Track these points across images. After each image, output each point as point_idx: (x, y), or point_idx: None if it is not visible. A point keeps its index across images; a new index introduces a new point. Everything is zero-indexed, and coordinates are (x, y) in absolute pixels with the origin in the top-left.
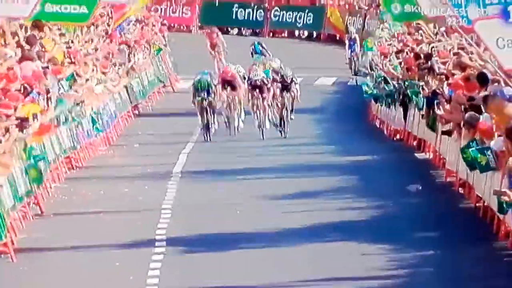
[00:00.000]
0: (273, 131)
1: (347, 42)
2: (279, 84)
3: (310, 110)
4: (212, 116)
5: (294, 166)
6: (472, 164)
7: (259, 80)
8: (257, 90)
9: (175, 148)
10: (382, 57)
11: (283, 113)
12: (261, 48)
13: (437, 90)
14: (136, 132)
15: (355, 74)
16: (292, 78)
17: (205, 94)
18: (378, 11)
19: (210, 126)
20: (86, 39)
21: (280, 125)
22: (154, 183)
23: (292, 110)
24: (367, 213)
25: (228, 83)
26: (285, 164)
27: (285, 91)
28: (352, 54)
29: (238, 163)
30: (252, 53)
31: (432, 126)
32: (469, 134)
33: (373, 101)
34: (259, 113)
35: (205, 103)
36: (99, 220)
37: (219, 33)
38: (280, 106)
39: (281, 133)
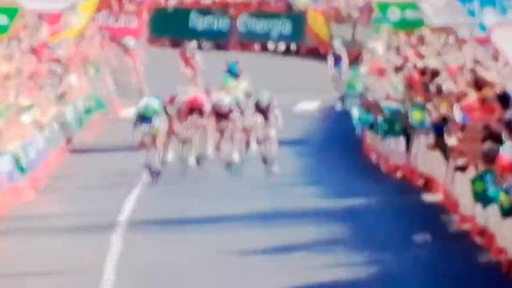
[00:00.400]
0: (242, 169)
1: (330, 59)
2: (253, 111)
3: (289, 142)
4: (158, 153)
5: (271, 212)
6: (484, 198)
7: (224, 106)
8: (222, 118)
9: (120, 192)
10: (377, 75)
11: (266, 148)
12: (237, 70)
13: (448, 115)
14: (71, 173)
15: (342, 98)
16: (269, 103)
17: (148, 125)
18: (371, 18)
19: (154, 166)
20: (5, 55)
21: (265, 163)
22: (94, 236)
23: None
24: (363, 271)
25: (197, 110)
26: (259, 210)
27: (263, 118)
28: (337, 73)
29: (199, 210)
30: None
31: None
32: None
33: (367, 130)
34: (225, 146)
35: (146, 137)
36: (23, 285)
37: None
38: (259, 139)
39: (268, 173)
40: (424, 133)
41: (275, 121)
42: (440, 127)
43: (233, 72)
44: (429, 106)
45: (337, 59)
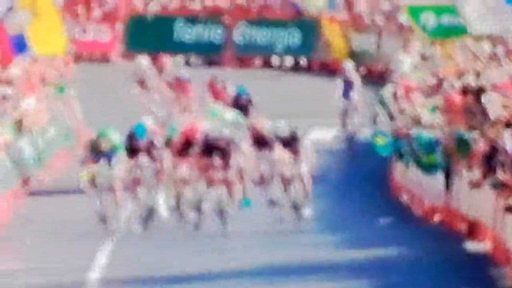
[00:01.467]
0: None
1: (339, 84)
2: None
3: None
4: (116, 205)
5: (282, 266)
6: None
7: (220, 137)
8: (217, 154)
9: (89, 244)
10: (405, 96)
11: (295, 188)
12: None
13: (498, 144)
14: (28, 220)
15: (350, 139)
16: (293, 133)
17: (105, 162)
18: (400, 26)
19: (110, 223)
20: None
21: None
22: None
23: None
24: None
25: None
26: (266, 264)
27: (290, 153)
28: (347, 103)
29: (191, 264)
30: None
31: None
32: None
33: (395, 162)
34: (219, 191)
35: (99, 178)
36: None
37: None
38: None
39: (299, 219)
40: (467, 167)
41: (306, 155)
42: (488, 160)
43: (242, 98)
44: (474, 134)
45: (348, 86)
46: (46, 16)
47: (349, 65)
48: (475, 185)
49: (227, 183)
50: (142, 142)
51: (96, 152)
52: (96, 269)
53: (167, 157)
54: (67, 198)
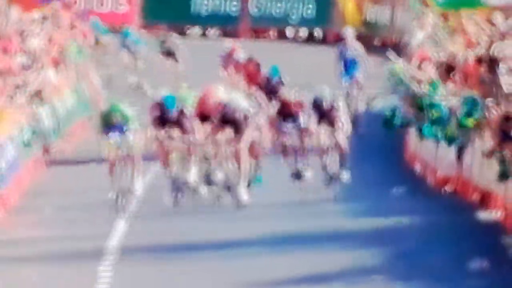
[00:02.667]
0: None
1: (339, 56)
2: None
3: (317, 150)
4: (132, 178)
5: (295, 235)
6: None
7: (237, 110)
8: (230, 128)
9: (108, 212)
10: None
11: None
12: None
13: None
14: (49, 189)
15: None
16: (332, 102)
17: (117, 134)
18: None
19: (123, 195)
20: None
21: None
22: (78, 266)
23: (342, 163)
24: None
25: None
26: (280, 232)
27: (324, 121)
28: (349, 85)
29: (206, 233)
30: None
31: (504, 173)
32: None
33: (410, 133)
34: (231, 167)
35: (115, 151)
36: None
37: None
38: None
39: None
40: (479, 136)
41: (342, 126)
42: (502, 130)
43: (274, 80)
44: (489, 102)
45: (350, 61)
46: None
47: (350, 32)
48: (488, 155)
49: (237, 158)
50: (171, 113)
51: (108, 125)
52: (115, 238)
53: (199, 129)
54: (86, 166)
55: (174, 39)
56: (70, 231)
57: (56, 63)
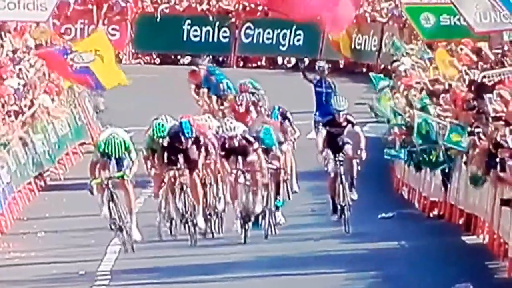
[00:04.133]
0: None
1: (314, 85)
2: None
3: (305, 174)
4: (126, 211)
5: (284, 259)
6: None
7: (238, 138)
8: (236, 156)
9: (101, 237)
10: (406, 92)
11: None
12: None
13: (502, 141)
14: (42, 214)
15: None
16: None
17: (114, 167)
18: (402, 25)
19: (122, 227)
20: None
21: None
22: None
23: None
24: None
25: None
26: (270, 256)
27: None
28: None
29: (197, 259)
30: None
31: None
32: None
33: (398, 161)
34: (245, 198)
35: (107, 183)
36: None
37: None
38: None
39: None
40: (466, 163)
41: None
42: (489, 156)
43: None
44: (477, 130)
45: (326, 88)
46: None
47: (322, 64)
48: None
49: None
50: (187, 140)
51: (106, 156)
52: (108, 262)
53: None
54: (79, 192)
55: None
56: (62, 256)
57: (51, 90)
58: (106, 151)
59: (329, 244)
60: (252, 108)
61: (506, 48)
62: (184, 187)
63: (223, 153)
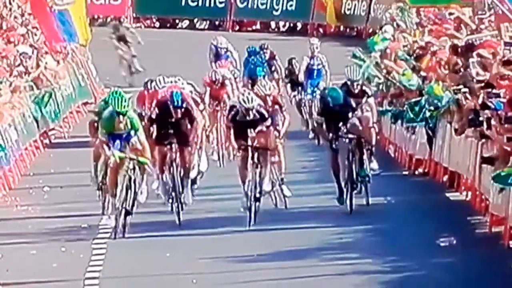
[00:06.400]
0: None
1: (305, 66)
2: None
3: (297, 135)
4: (133, 188)
5: (278, 214)
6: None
7: (254, 109)
8: (251, 130)
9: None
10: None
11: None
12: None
13: (488, 102)
14: (47, 170)
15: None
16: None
17: (118, 143)
18: None
19: (127, 206)
20: None
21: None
22: (74, 243)
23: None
24: (381, 278)
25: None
26: (264, 212)
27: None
28: (302, 92)
29: (195, 211)
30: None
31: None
32: None
33: (385, 119)
34: (255, 176)
35: (112, 160)
36: None
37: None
38: None
39: None
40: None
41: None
42: (474, 114)
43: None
44: (463, 90)
45: (313, 69)
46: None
47: (315, 43)
48: (459, 131)
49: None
50: (178, 110)
51: (111, 133)
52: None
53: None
54: (82, 149)
55: (126, 27)
56: (67, 210)
57: (56, 52)
58: (112, 128)
59: (316, 200)
60: (227, 81)
61: (487, 14)
62: (174, 164)
63: (231, 124)
